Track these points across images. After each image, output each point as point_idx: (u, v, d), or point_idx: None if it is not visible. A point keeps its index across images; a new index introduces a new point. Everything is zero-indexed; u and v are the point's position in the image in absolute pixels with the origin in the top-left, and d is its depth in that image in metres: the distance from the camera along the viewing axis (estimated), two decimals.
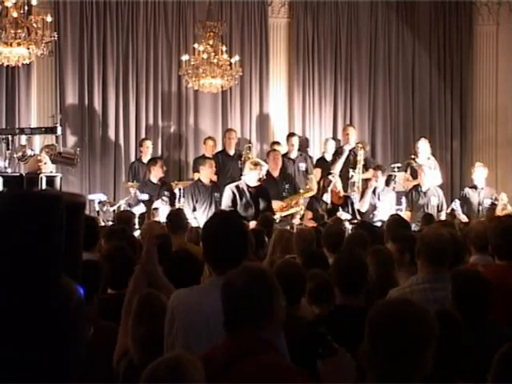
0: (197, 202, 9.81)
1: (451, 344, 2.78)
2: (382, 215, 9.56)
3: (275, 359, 2.58)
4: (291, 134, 11.56)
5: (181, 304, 3.16)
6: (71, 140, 11.23)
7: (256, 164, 9.21)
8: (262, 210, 8.85)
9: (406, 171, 10.98)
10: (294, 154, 11.27)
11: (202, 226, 5.97)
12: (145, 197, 9.55)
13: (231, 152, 11.19)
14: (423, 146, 11.05)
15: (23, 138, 9.22)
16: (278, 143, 11.42)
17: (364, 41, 12.57)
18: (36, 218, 1.61)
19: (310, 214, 9.50)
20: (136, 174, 10.76)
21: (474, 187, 10.48)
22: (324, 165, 11.18)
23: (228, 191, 9.11)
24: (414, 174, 10.74)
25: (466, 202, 10.30)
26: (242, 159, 10.82)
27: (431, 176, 10.40)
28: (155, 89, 11.75)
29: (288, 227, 8.54)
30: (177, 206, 9.58)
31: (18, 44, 8.27)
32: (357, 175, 10.72)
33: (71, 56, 11.30)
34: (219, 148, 11.47)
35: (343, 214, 9.02)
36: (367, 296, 4.01)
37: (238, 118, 12.08)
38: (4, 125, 10.64)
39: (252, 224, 8.16)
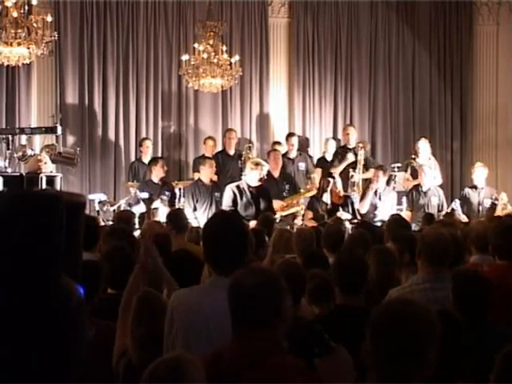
0: (197, 201, 9.81)
1: (451, 344, 2.78)
2: (382, 215, 9.55)
3: (291, 360, 2.58)
4: (291, 134, 11.56)
5: (181, 304, 3.15)
6: (71, 140, 11.23)
7: (257, 164, 9.22)
8: (262, 210, 8.85)
9: (406, 171, 10.97)
10: (293, 154, 11.27)
11: (202, 225, 5.99)
12: (145, 195, 9.55)
13: (231, 152, 11.19)
14: (423, 146, 11.05)
15: (23, 138, 9.23)
16: (278, 143, 11.42)
17: (364, 41, 12.56)
18: (36, 218, 1.61)
19: (310, 214, 9.50)
20: (136, 174, 10.76)
21: (474, 187, 10.48)
22: (325, 165, 11.18)
23: (228, 191, 9.11)
24: (414, 174, 10.74)
25: (465, 202, 10.30)
26: (242, 159, 10.83)
27: (431, 176, 10.40)
28: (155, 89, 11.74)
29: (288, 227, 8.54)
30: (177, 205, 9.58)
31: (18, 44, 8.27)
32: (357, 175, 10.72)
33: (71, 56, 11.30)
34: (219, 148, 11.46)
35: (343, 214, 9.02)
36: (367, 296, 4.01)
37: (238, 118, 12.08)
38: (4, 125, 10.63)
39: (252, 224, 8.16)
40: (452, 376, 2.84)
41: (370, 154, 11.81)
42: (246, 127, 12.10)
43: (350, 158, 10.80)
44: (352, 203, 9.59)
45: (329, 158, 11.50)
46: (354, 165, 10.88)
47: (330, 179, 9.54)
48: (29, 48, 8.33)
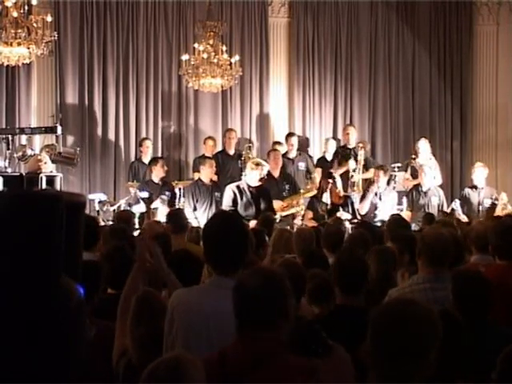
0: (197, 201, 9.81)
1: (451, 344, 2.78)
2: (383, 215, 9.54)
3: (296, 361, 2.58)
4: (290, 134, 11.55)
5: (181, 304, 3.16)
6: (71, 140, 11.22)
7: (257, 164, 9.23)
8: (262, 210, 8.85)
9: (405, 171, 10.97)
10: (293, 154, 11.26)
11: (202, 225, 5.99)
12: (144, 194, 9.55)
13: (231, 152, 11.19)
14: (423, 146, 11.05)
15: (23, 138, 9.23)
16: (279, 143, 11.41)
17: (364, 41, 12.56)
18: (36, 217, 1.61)
19: (310, 214, 9.50)
20: (136, 174, 10.76)
21: (474, 187, 10.47)
22: (325, 165, 11.17)
23: (229, 191, 9.12)
24: (414, 174, 10.74)
25: (465, 202, 10.30)
26: (243, 159, 10.83)
27: (431, 176, 10.40)
28: (155, 89, 11.74)
29: (288, 227, 8.53)
30: (177, 205, 9.58)
31: (18, 44, 8.26)
32: (357, 175, 10.72)
33: (71, 56, 11.29)
34: (219, 148, 11.46)
35: (343, 214, 9.02)
36: (367, 296, 4.01)
37: (238, 118, 12.08)
38: (4, 125, 10.63)
39: (252, 223, 8.16)
40: (452, 376, 2.84)
41: (369, 154, 11.81)
42: (245, 127, 12.10)
43: (352, 165, 10.75)
44: (352, 203, 9.59)
45: (329, 157, 11.50)
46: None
47: (330, 180, 9.52)
48: (29, 48, 8.33)
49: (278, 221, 8.96)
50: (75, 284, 1.72)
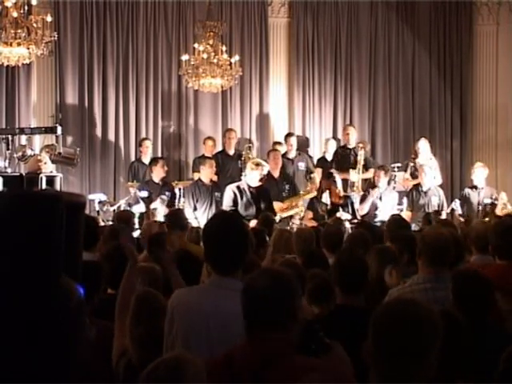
0: (197, 201, 9.81)
1: (451, 344, 2.78)
2: (383, 215, 9.53)
3: (307, 361, 2.58)
4: (289, 134, 11.55)
5: (181, 304, 3.16)
6: (71, 140, 11.22)
7: (257, 164, 9.23)
8: (262, 210, 8.85)
9: (405, 171, 10.97)
10: (292, 154, 11.26)
11: (202, 225, 5.99)
12: (144, 194, 9.55)
13: (231, 152, 11.19)
14: (423, 146, 11.05)
15: (23, 138, 9.22)
16: (279, 143, 11.41)
17: (364, 41, 12.56)
18: (36, 217, 1.61)
19: (310, 214, 9.49)
20: (136, 174, 10.76)
21: (474, 187, 10.47)
22: (325, 165, 11.17)
23: (229, 191, 9.12)
24: (414, 174, 10.74)
25: (466, 202, 10.30)
26: (243, 159, 10.83)
27: (432, 176, 10.39)
28: (155, 89, 11.75)
29: (288, 227, 8.53)
30: (177, 206, 9.58)
31: (18, 44, 8.26)
32: (357, 175, 10.72)
33: (71, 56, 11.30)
34: (219, 148, 11.46)
35: (343, 214, 9.01)
36: (367, 296, 4.01)
37: (238, 118, 12.08)
38: (4, 125, 10.63)
39: (253, 223, 8.17)
40: (452, 376, 2.83)
41: (369, 154, 11.81)
42: (245, 127, 12.10)
43: (353, 177, 10.74)
44: (352, 203, 9.58)
45: (329, 158, 11.50)
46: (353, 165, 10.88)
47: (331, 181, 9.49)
48: (29, 48, 8.33)
49: (277, 221, 8.96)
50: (75, 284, 1.72)
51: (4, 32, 8.17)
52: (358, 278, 3.96)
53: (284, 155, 11.02)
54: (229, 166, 10.98)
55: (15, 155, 8.83)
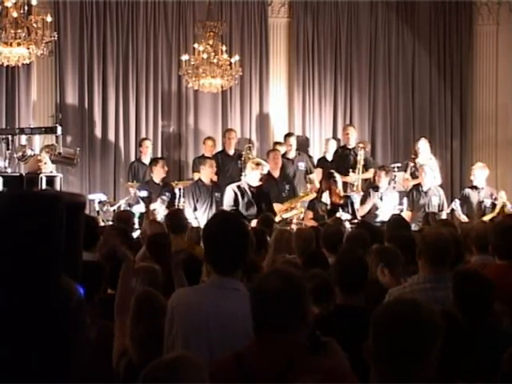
0: (197, 201, 9.81)
1: (451, 344, 2.78)
2: (384, 215, 9.51)
3: (318, 362, 2.58)
4: (289, 134, 11.54)
5: (181, 304, 3.15)
6: (71, 140, 11.22)
7: (258, 164, 9.23)
8: (263, 211, 8.85)
9: (405, 171, 10.97)
10: (292, 154, 11.25)
11: (202, 226, 5.98)
12: (144, 193, 9.55)
13: (231, 152, 11.19)
14: (424, 146, 11.04)
15: (23, 138, 9.22)
16: (280, 143, 11.41)
17: (364, 41, 12.57)
18: (36, 217, 1.61)
19: (310, 214, 9.48)
20: (136, 174, 10.76)
21: (474, 187, 10.46)
22: (325, 165, 11.17)
23: (230, 191, 9.12)
24: (414, 174, 10.73)
25: (466, 202, 10.29)
26: (243, 159, 10.82)
27: (432, 176, 10.39)
28: (155, 89, 11.75)
29: (288, 227, 8.53)
30: (177, 206, 9.58)
31: (18, 44, 8.27)
32: (357, 175, 10.71)
33: (71, 56, 11.30)
34: (219, 148, 11.46)
35: (343, 214, 9.00)
36: (367, 296, 4.01)
37: (238, 118, 12.08)
38: (4, 125, 10.63)
39: (253, 223, 8.16)
40: (452, 376, 2.83)
41: (369, 154, 11.81)
42: (245, 127, 12.10)
43: (351, 179, 10.74)
44: (352, 203, 9.57)
45: (329, 158, 11.50)
46: (353, 165, 10.88)
47: (332, 182, 9.48)
48: (29, 48, 8.33)
49: (277, 222, 8.96)
50: (75, 284, 1.72)
51: (4, 32, 8.17)
52: (358, 278, 3.96)
53: (284, 155, 11.02)
54: (229, 166, 10.98)
55: (15, 155, 8.84)
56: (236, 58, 10.57)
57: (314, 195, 9.89)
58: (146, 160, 10.73)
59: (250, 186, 9.11)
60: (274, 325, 2.58)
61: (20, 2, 8.25)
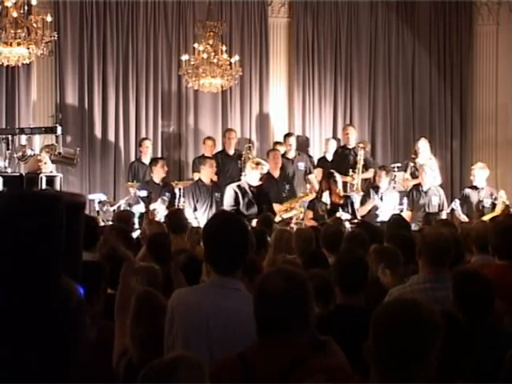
0: (197, 201, 9.81)
1: (451, 344, 2.78)
2: (384, 215, 9.51)
3: (323, 361, 2.58)
4: (288, 134, 11.54)
5: (181, 304, 3.15)
6: (71, 140, 11.22)
7: (258, 163, 9.23)
8: (263, 211, 8.85)
9: (405, 171, 10.97)
10: (291, 154, 11.25)
11: (202, 226, 5.98)
12: (143, 193, 9.55)
13: (231, 152, 11.19)
14: (424, 146, 11.05)
15: (23, 138, 9.22)
16: (280, 143, 11.41)
17: (364, 41, 12.57)
18: (36, 217, 1.61)
19: (310, 214, 9.48)
20: (136, 174, 10.76)
21: (474, 187, 10.46)
22: (325, 164, 11.17)
23: (230, 191, 9.12)
24: (414, 174, 10.73)
25: (465, 202, 10.29)
26: (243, 159, 10.83)
27: (432, 175, 10.39)
28: (155, 89, 11.75)
29: (288, 228, 8.52)
30: (177, 206, 9.58)
31: (18, 44, 8.26)
32: (357, 175, 10.71)
33: (71, 56, 11.30)
34: (219, 148, 11.46)
35: (343, 214, 9.00)
36: (367, 296, 4.01)
37: (238, 118, 12.08)
38: (4, 125, 10.63)
39: (254, 222, 8.16)
40: (452, 376, 2.83)
41: (369, 154, 11.81)
42: (245, 127, 12.10)
43: (351, 180, 10.74)
44: (352, 203, 9.57)
45: (329, 158, 11.50)
46: (353, 165, 10.88)
47: (332, 182, 9.47)
48: (29, 48, 8.33)
49: (277, 222, 8.95)
50: (75, 284, 1.72)
51: (4, 32, 8.17)
52: (358, 278, 3.96)
53: (283, 155, 11.02)
54: (229, 166, 10.98)
55: (15, 155, 8.84)
56: (236, 57, 10.57)
57: (313, 195, 9.89)
58: (146, 160, 10.73)
59: (250, 186, 9.11)
60: (277, 325, 2.58)
61: (20, 1, 8.25)
